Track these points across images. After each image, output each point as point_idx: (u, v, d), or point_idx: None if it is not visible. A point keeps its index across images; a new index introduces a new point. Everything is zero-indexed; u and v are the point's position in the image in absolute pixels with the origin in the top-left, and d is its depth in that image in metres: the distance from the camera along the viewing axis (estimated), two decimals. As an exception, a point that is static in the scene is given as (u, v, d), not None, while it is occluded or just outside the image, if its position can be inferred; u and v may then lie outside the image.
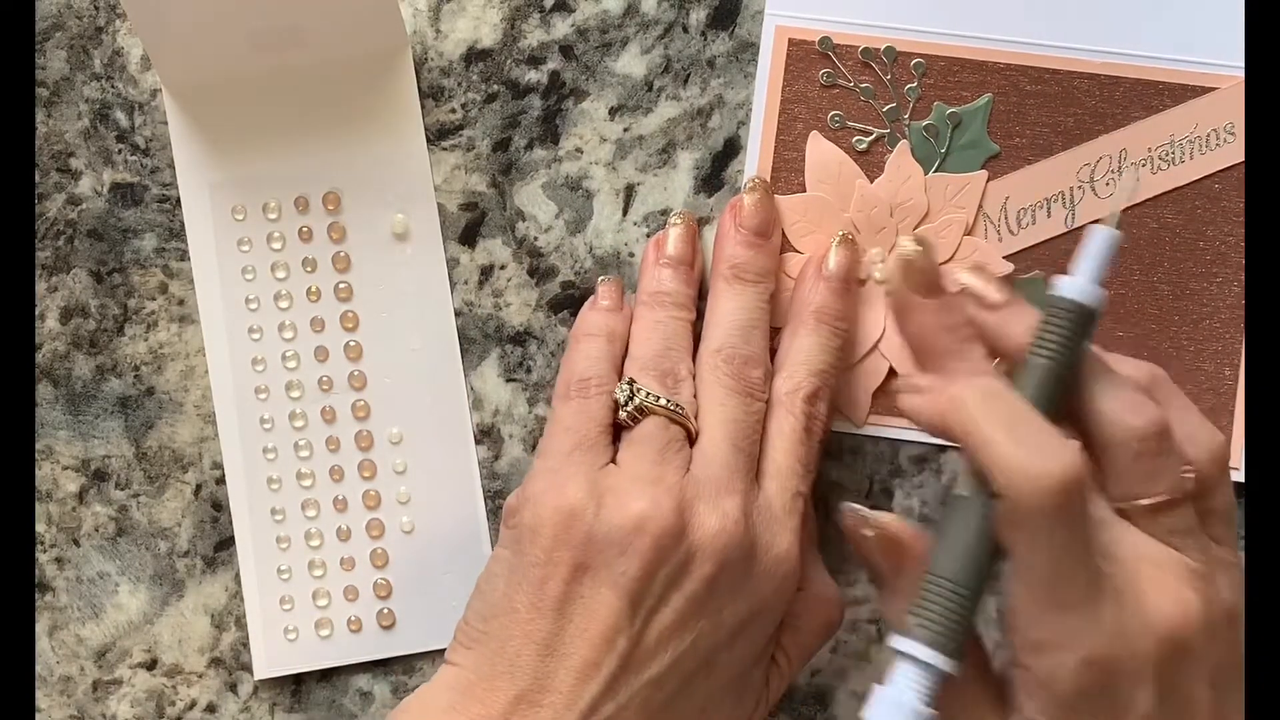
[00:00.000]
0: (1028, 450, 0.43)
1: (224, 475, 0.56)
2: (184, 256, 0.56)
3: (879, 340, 0.55)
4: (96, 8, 0.56)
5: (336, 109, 0.55)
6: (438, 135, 0.56)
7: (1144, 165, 0.55)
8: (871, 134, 0.55)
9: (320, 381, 0.56)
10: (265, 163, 0.56)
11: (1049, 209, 0.55)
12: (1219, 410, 0.55)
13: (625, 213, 0.56)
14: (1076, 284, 0.46)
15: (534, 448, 0.56)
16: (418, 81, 0.56)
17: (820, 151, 0.55)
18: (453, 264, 0.56)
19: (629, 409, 0.50)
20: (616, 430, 0.51)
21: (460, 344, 0.56)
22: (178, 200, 0.56)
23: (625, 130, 0.56)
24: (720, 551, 0.48)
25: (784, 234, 0.55)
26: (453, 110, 0.56)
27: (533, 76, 0.56)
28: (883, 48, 0.55)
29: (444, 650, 0.55)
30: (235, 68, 0.55)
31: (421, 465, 0.56)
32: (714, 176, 0.56)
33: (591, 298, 0.55)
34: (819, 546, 0.54)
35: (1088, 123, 0.55)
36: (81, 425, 0.56)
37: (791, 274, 0.55)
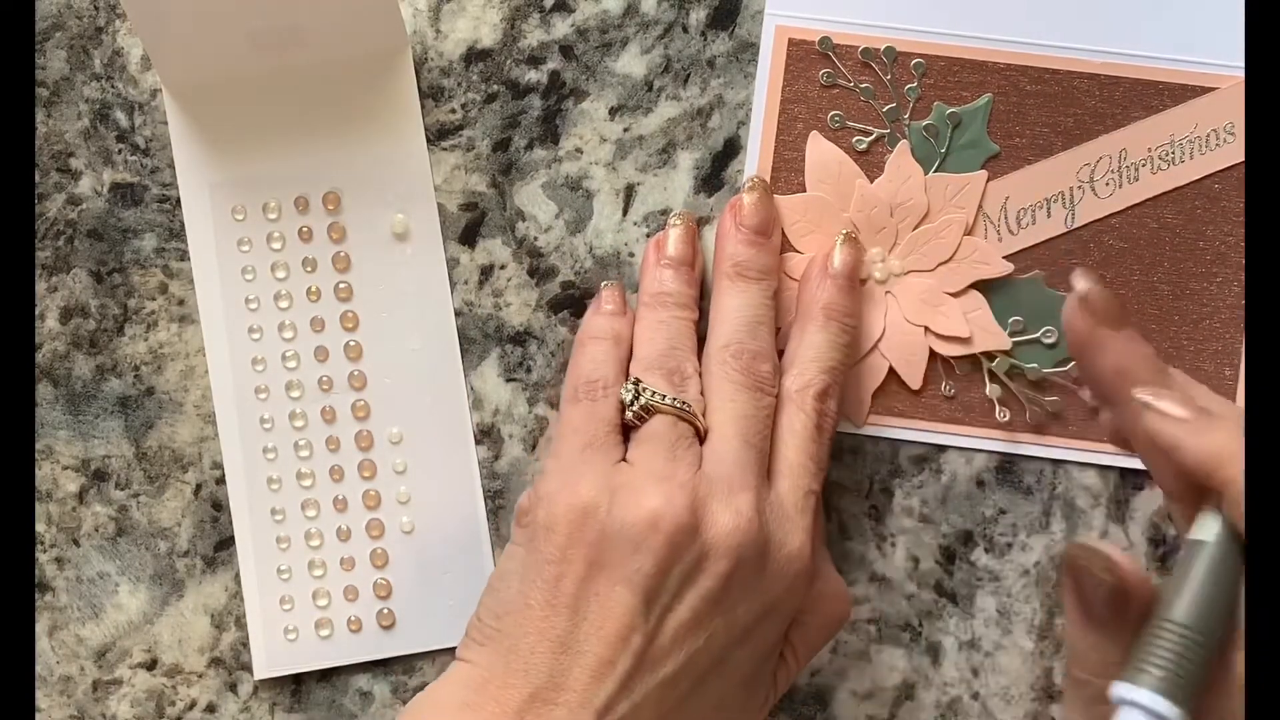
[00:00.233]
0: None
1: (224, 475, 0.56)
2: (184, 256, 0.56)
3: (879, 340, 0.55)
4: (96, 8, 0.56)
5: (336, 109, 0.55)
6: (438, 135, 0.56)
7: (1144, 165, 0.55)
8: (871, 134, 0.55)
9: (320, 381, 0.56)
10: (265, 163, 0.56)
11: (1049, 209, 0.55)
12: (1219, 410, 0.55)
13: (625, 213, 0.56)
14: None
15: (534, 447, 0.56)
16: (418, 81, 0.56)
17: (820, 151, 0.55)
18: (453, 264, 0.56)
19: (635, 408, 0.50)
20: (627, 432, 0.51)
21: (460, 344, 0.56)
22: (178, 200, 0.56)
23: (625, 130, 0.56)
24: (735, 549, 0.48)
25: (784, 234, 0.55)
26: (453, 110, 0.56)
27: (533, 76, 0.56)
28: (883, 48, 0.55)
29: (444, 650, 0.55)
30: (235, 68, 0.55)
31: (421, 465, 0.56)
32: (714, 176, 0.56)
33: (594, 301, 0.55)
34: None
35: (1088, 123, 0.55)
36: (81, 425, 0.56)
37: (793, 274, 0.55)
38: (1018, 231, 0.55)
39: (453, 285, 0.56)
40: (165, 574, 0.56)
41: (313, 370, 0.56)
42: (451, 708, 0.47)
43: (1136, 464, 0.55)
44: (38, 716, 0.56)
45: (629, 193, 0.56)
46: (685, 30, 0.56)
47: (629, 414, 0.51)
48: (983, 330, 0.55)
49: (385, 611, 0.56)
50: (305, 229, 0.56)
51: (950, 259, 0.55)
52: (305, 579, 0.56)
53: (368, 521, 0.56)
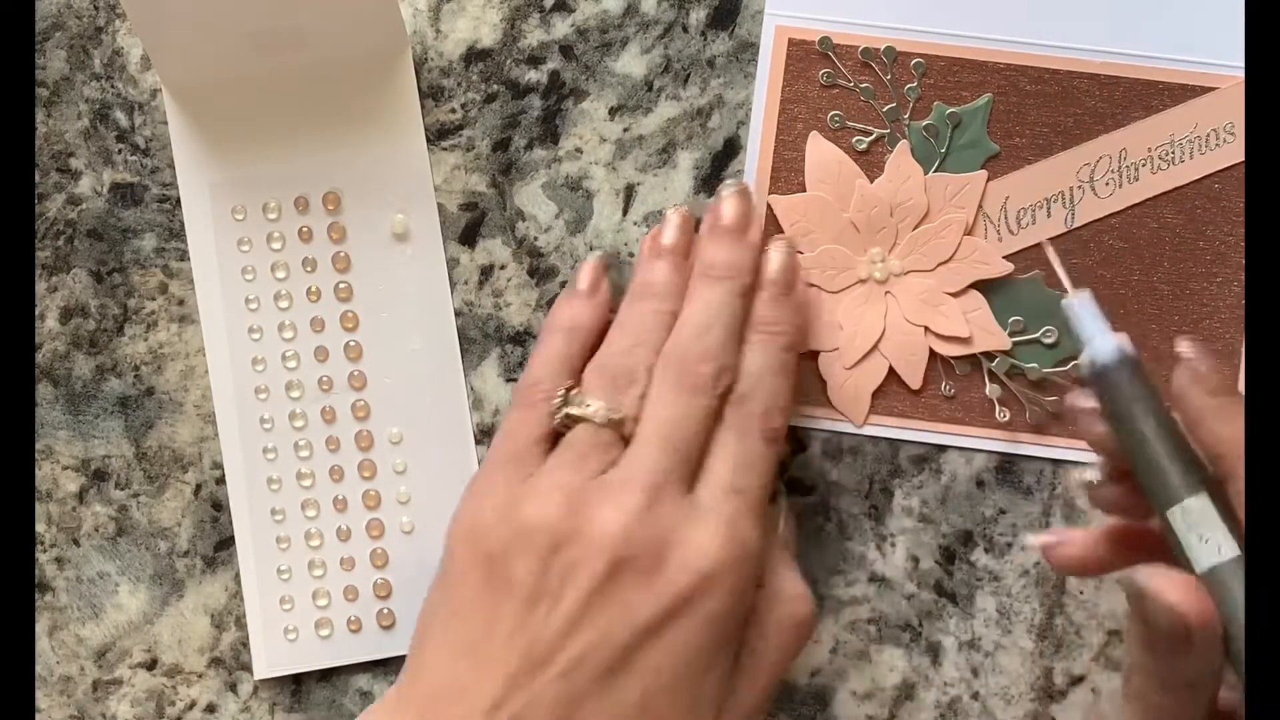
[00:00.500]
0: None
1: (224, 475, 0.56)
2: (184, 256, 0.56)
3: (879, 340, 0.55)
4: (96, 8, 0.56)
5: (336, 109, 0.55)
6: (438, 135, 0.56)
7: (1144, 165, 0.55)
8: (871, 134, 0.55)
9: (320, 381, 0.56)
10: (265, 163, 0.56)
11: (1049, 209, 0.55)
12: (1219, 410, 0.55)
13: (625, 213, 0.56)
14: (1105, 344, 0.47)
15: (534, 448, 0.56)
16: (418, 81, 0.56)
17: (820, 151, 0.55)
18: (453, 264, 0.56)
19: (559, 418, 0.50)
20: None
21: (460, 344, 0.56)
22: (178, 200, 0.56)
23: (625, 130, 0.56)
24: (612, 547, 0.47)
25: (785, 234, 0.55)
26: (453, 110, 0.56)
27: (533, 76, 0.56)
28: (883, 48, 0.55)
29: (444, 650, 0.55)
30: (235, 68, 0.55)
31: (421, 465, 0.56)
32: (714, 176, 0.56)
33: (570, 280, 0.54)
34: (821, 546, 0.54)
35: (1088, 123, 0.55)
36: (81, 425, 0.56)
37: (791, 274, 0.55)
38: (1018, 231, 0.55)
39: (453, 285, 0.56)
40: (165, 574, 0.56)
41: (313, 370, 0.56)
42: (369, 716, 0.48)
43: (1136, 464, 0.55)
44: (38, 717, 0.56)
45: (629, 193, 0.56)
46: (685, 30, 0.56)
47: (556, 422, 0.50)
48: (983, 330, 0.55)
49: (385, 611, 0.56)
50: (305, 229, 0.56)
51: (950, 259, 0.55)
52: (305, 579, 0.56)
53: (368, 521, 0.56)
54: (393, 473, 0.56)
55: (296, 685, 0.56)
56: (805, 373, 0.55)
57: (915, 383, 0.55)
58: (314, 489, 0.56)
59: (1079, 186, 0.55)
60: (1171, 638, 0.44)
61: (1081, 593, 0.55)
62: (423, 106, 0.56)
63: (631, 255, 0.56)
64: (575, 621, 0.47)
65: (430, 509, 0.56)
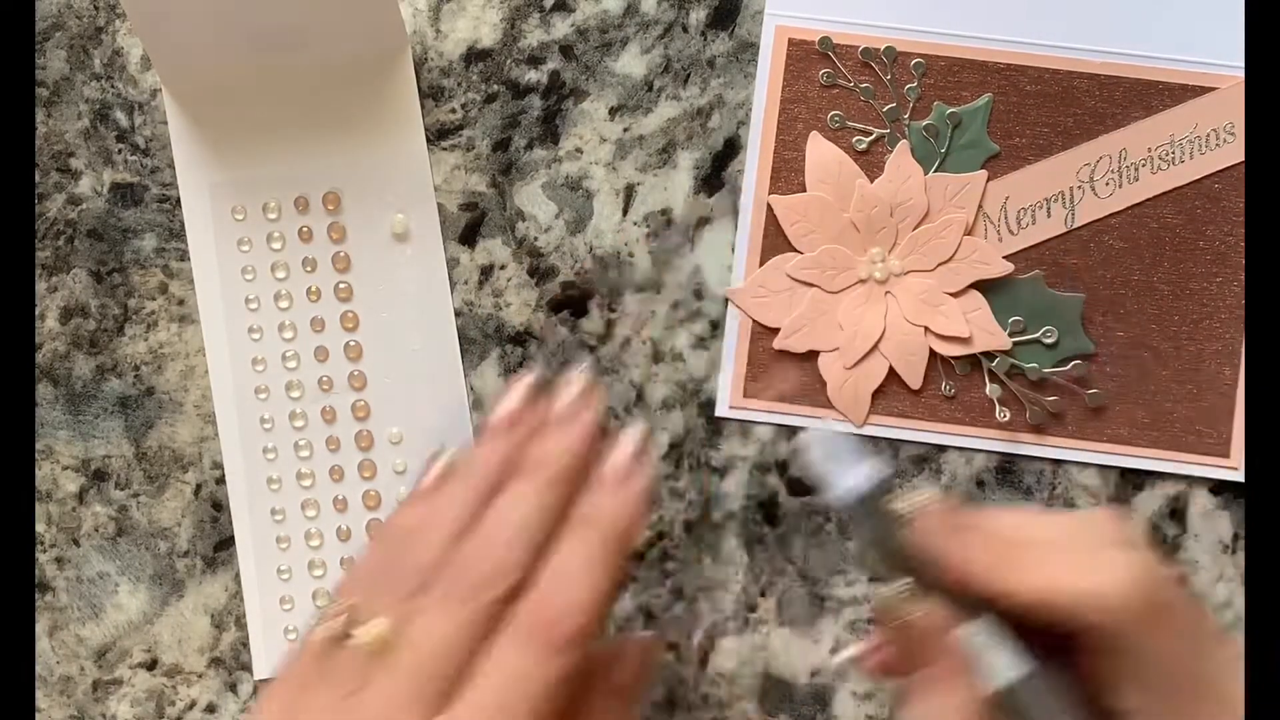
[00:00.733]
0: (1105, 573, 0.43)
1: (224, 475, 0.56)
2: (184, 256, 0.56)
3: (879, 340, 0.55)
4: (96, 8, 0.56)
5: (336, 109, 0.55)
6: (438, 135, 0.56)
7: (1144, 165, 0.55)
8: (871, 134, 0.55)
9: (320, 381, 0.56)
10: (265, 163, 0.56)
11: (1049, 209, 0.55)
12: (1219, 410, 0.55)
13: (625, 213, 0.56)
14: (851, 482, 0.45)
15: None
16: (418, 81, 0.56)
17: (820, 151, 0.55)
18: (453, 264, 0.56)
19: (338, 635, 0.46)
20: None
21: (460, 344, 0.56)
22: (178, 200, 0.56)
23: (625, 130, 0.56)
24: None
25: (785, 234, 0.55)
26: (453, 110, 0.56)
27: (533, 76, 0.56)
28: (883, 48, 0.55)
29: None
30: (235, 68, 0.55)
31: (421, 465, 0.55)
32: (714, 176, 0.56)
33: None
34: (821, 546, 0.54)
35: (1088, 123, 0.55)
36: (81, 425, 0.56)
37: (795, 275, 0.55)
38: (1018, 231, 0.55)
39: (453, 285, 0.56)
40: (165, 574, 0.56)
41: (313, 370, 0.56)
42: None
43: (1137, 464, 0.55)
44: (38, 716, 0.56)
45: (629, 193, 0.56)
46: (685, 30, 0.56)
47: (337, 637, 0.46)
48: (983, 330, 0.55)
49: (385, 611, 0.56)
50: (305, 229, 0.56)
51: (950, 259, 0.55)
52: (305, 579, 0.56)
53: (367, 522, 0.56)
54: (393, 473, 0.56)
55: (296, 685, 0.56)
56: (805, 373, 0.55)
57: (915, 383, 0.55)
58: (314, 489, 0.56)
59: (1079, 186, 0.55)
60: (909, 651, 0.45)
61: (1081, 593, 0.55)
62: (423, 106, 0.56)
63: (632, 256, 0.56)
64: None
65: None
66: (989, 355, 0.55)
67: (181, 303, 0.56)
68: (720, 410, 0.56)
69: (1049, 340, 0.55)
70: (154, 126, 0.56)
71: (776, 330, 0.55)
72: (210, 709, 0.56)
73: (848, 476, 0.45)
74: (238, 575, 0.56)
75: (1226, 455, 0.55)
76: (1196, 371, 0.55)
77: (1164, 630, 0.43)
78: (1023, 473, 0.55)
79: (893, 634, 0.45)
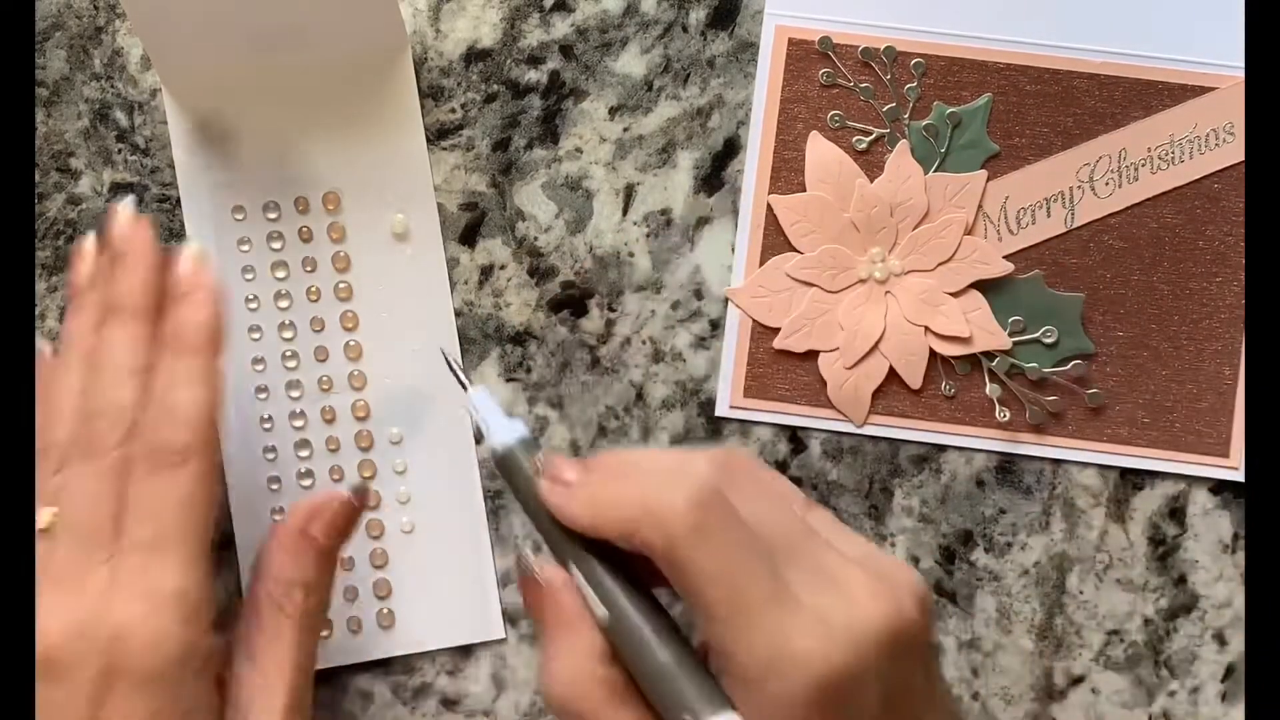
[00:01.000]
0: (655, 489, 0.43)
1: (224, 475, 0.56)
2: (184, 256, 0.56)
3: (879, 340, 0.55)
4: (96, 8, 0.56)
5: (336, 109, 0.55)
6: (438, 135, 0.56)
7: (1144, 165, 0.55)
8: (871, 134, 0.55)
9: (320, 381, 0.56)
10: (265, 163, 0.56)
11: (1049, 209, 0.55)
12: (1219, 410, 0.55)
13: (625, 212, 0.56)
14: (502, 432, 0.47)
15: (534, 448, 0.56)
16: (418, 81, 0.56)
17: (820, 151, 0.55)
18: (453, 264, 0.56)
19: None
20: None
21: (460, 344, 0.56)
22: (178, 200, 0.56)
23: (625, 130, 0.56)
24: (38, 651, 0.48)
25: (785, 233, 0.55)
26: (453, 110, 0.56)
27: (533, 76, 0.56)
28: (883, 48, 0.55)
29: (443, 650, 0.55)
30: (235, 68, 0.55)
31: (421, 465, 0.56)
32: (714, 176, 0.56)
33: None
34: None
35: (1087, 123, 0.55)
36: (81, 425, 0.56)
37: (795, 275, 0.55)
38: (1017, 231, 0.55)
39: (453, 285, 0.56)
40: (165, 574, 0.56)
41: (313, 370, 0.56)
42: None
43: (1137, 464, 0.55)
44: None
45: (629, 192, 0.56)
46: (685, 30, 0.56)
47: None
48: (983, 330, 0.55)
49: (385, 611, 0.56)
50: (305, 229, 0.56)
51: (950, 259, 0.55)
52: (305, 579, 0.56)
53: (368, 521, 0.56)
54: (393, 473, 0.56)
55: (296, 685, 0.56)
56: (805, 372, 0.55)
57: (915, 383, 0.55)
58: (314, 489, 0.56)
59: (1079, 186, 0.55)
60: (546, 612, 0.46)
61: (1081, 593, 0.55)
62: (423, 106, 0.56)
63: (632, 255, 0.56)
64: None
65: (430, 509, 0.56)
66: (989, 355, 0.55)
67: (181, 303, 0.56)
68: (720, 410, 0.56)
69: (1049, 340, 0.55)
70: (154, 126, 0.56)
71: (776, 330, 0.55)
72: (210, 709, 0.56)
73: (496, 433, 0.47)
74: (238, 575, 0.56)
75: (1226, 455, 0.55)
76: (1196, 371, 0.55)
77: (706, 549, 0.42)
78: (1023, 472, 0.55)
79: (525, 586, 0.46)
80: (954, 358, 0.55)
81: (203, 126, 0.56)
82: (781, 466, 0.55)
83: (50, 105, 0.56)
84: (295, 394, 0.56)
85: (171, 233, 0.56)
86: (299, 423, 0.56)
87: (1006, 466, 0.55)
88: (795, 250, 0.55)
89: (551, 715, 0.47)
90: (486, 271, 0.56)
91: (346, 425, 0.56)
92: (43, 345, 0.53)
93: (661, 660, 0.43)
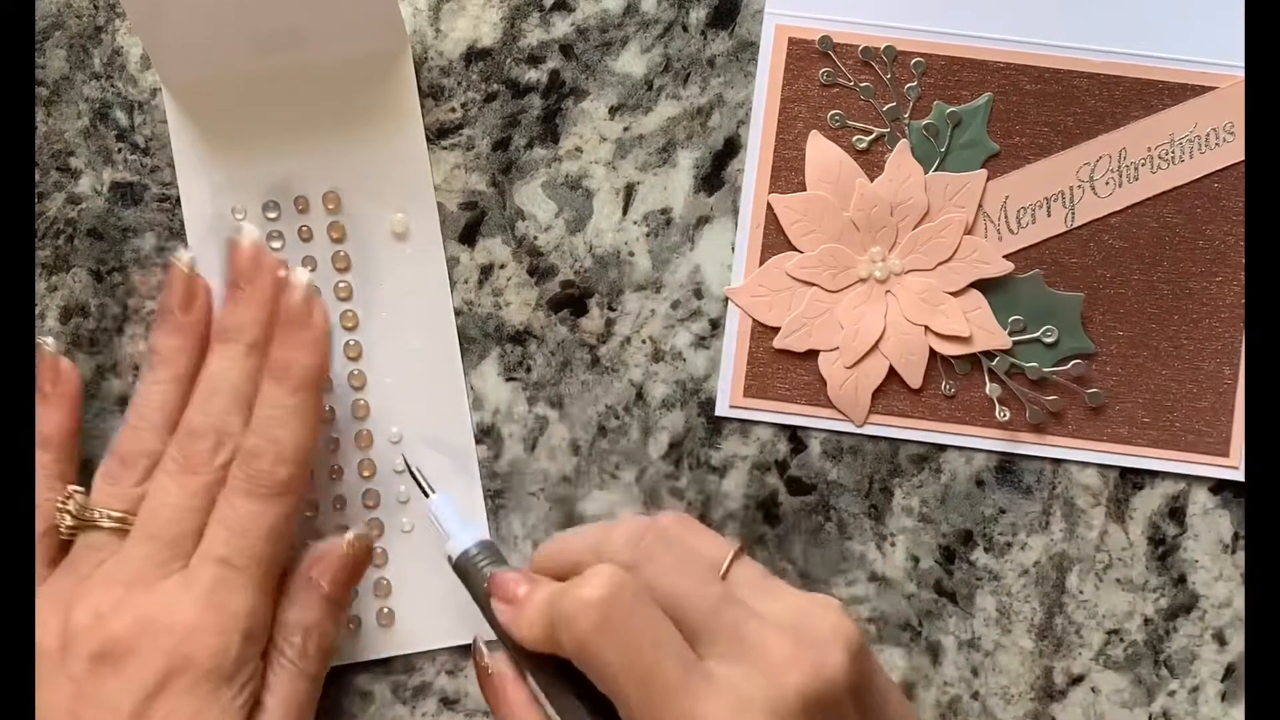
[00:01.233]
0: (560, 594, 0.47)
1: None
2: (184, 256, 0.56)
3: (879, 340, 0.55)
4: (96, 7, 0.56)
5: (336, 109, 0.55)
6: (438, 135, 0.56)
7: (1144, 165, 0.55)
8: (871, 133, 0.55)
9: (320, 381, 0.56)
10: (265, 162, 0.56)
11: (1049, 208, 0.55)
12: (1219, 410, 0.55)
13: (625, 212, 0.56)
14: (458, 543, 0.52)
15: (534, 447, 0.56)
16: (417, 81, 0.56)
17: (820, 150, 0.55)
18: (453, 263, 0.56)
19: (65, 529, 0.52)
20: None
21: (460, 344, 0.56)
22: (178, 199, 0.56)
23: (625, 129, 0.56)
24: (89, 643, 0.49)
25: (785, 233, 0.55)
26: (453, 110, 0.56)
27: (533, 76, 0.56)
28: (883, 47, 0.55)
29: (443, 650, 0.55)
30: (235, 67, 0.55)
31: (421, 465, 0.56)
32: (714, 176, 0.56)
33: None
34: (821, 546, 0.54)
35: (1088, 122, 0.55)
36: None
37: (794, 274, 0.55)
38: (1018, 230, 0.55)
39: (453, 285, 0.56)
40: (165, 573, 0.56)
41: (313, 370, 0.56)
42: None
43: (1137, 464, 0.55)
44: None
45: (629, 192, 0.56)
46: (685, 29, 0.56)
47: (64, 536, 0.53)
48: (983, 330, 0.55)
49: (385, 611, 0.56)
50: (305, 228, 0.56)
51: (950, 258, 0.55)
52: (305, 578, 0.56)
53: (367, 521, 0.56)
54: (392, 473, 0.56)
55: (297, 684, 0.56)
56: (805, 372, 0.55)
57: (915, 382, 0.55)
58: (313, 488, 0.56)
59: (1079, 186, 0.55)
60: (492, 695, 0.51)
61: (1081, 593, 0.55)
62: (423, 106, 0.56)
63: (633, 255, 0.56)
64: (75, 712, 0.49)
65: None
66: (989, 354, 0.55)
67: (181, 302, 0.56)
68: (720, 410, 0.56)
69: (1049, 339, 0.55)
70: (154, 126, 0.56)
71: (776, 330, 0.55)
72: (210, 708, 0.56)
73: (454, 539, 0.52)
74: (238, 575, 0.56)
75: (1226, 455, 0.55)
76: (1196, 371, 0.55)
77: (612, 645, 0.45)
78: (1023, 472, 0.55)
79: (481, 677, 0.51)
80: (954, 357, 0.55)
81: (203, 126, 0.56)
82: (781, 466, 0.55)
83: (50, 105, 0.56)
84: (295, 393, 0.56)
85: (171, 232, 0.56)
86: (299, 422, 0.56)
87: (1006, 466, 0.55)
88: (795, 250, 0.55)
89: None
90: (486, 271, 0.56)
91: (346, 425, 0.56)
92: (46, 340, 0.55)
93: None
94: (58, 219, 0.56)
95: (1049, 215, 0.55)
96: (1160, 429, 0.55)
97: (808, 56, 0.55)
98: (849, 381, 0.55)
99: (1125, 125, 0.55)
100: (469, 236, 0.56)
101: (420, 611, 0.55)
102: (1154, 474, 0.55)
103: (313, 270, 0.56)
